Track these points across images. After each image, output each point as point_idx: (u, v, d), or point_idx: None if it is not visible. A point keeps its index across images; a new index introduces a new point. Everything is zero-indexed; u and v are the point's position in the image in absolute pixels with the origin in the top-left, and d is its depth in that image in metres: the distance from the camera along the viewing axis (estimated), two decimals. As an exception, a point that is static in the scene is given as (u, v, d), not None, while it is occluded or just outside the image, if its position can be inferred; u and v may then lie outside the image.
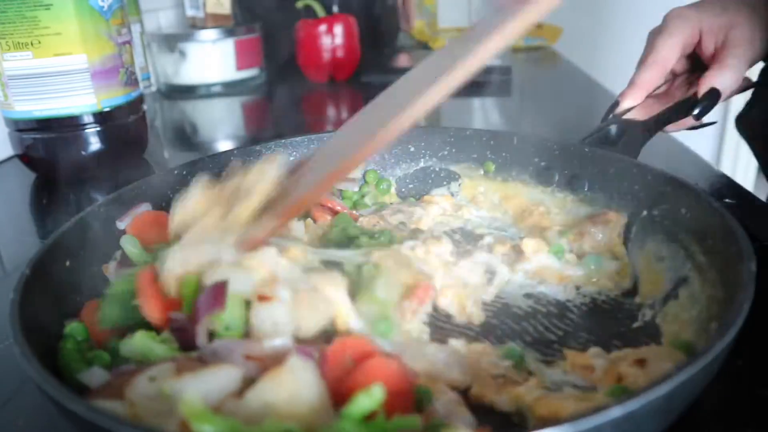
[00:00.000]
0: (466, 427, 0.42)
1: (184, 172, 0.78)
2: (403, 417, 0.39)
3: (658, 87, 0.88)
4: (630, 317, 0.60)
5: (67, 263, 0.61)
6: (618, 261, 0.67)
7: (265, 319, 0.48)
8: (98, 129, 1.06)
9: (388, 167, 0.89)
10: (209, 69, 1.66)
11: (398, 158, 0.89)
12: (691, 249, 0.60)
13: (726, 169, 2.79)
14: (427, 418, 0.43)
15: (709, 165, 1.02)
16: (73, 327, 0.54)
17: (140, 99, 1.15)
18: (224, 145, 1.36)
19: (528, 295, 0.64)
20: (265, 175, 0.60)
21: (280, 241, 0.59)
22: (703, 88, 0.82)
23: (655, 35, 0.88)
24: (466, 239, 0.74)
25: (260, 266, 0.51)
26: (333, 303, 0.51)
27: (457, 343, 0.54)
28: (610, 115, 0.85)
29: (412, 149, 0.89)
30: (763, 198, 0.87)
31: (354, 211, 0.80)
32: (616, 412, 0.35)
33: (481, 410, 0.48)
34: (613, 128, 0.81)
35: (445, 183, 0.86)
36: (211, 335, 0.48)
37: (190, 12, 1.79)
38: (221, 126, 1.54)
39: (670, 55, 0.85)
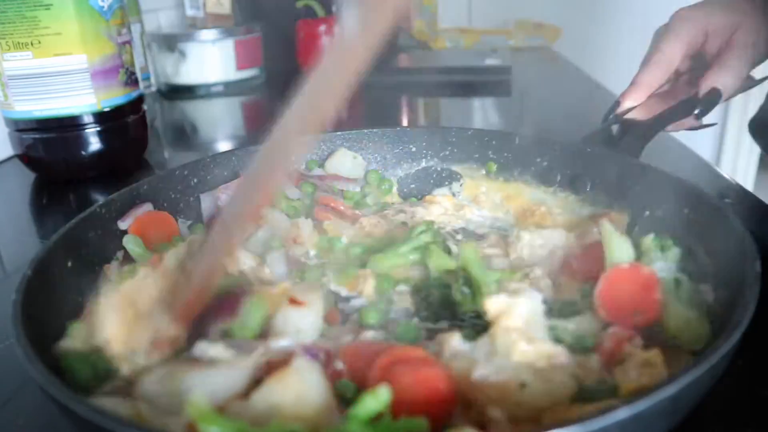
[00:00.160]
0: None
1: (185, 172, 0.78)
2: (410, 418, 0.39)
3: (661, 86, 0.88)
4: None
5: (69, 264, 0.60)
6: None
7: (290, 324, 0.48)
8: (98, 129, 1.06)
9: (390, 167, 0.88)
10: (209, 69, 1.66)
11: (400, 158, 0.89)
12: (694, 249, 0.60)
13: (726, 169, 2.79)
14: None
15: (710, 165, 1.03)
16: (74, 327, 0.54)
17: (140, 99, 1.15)
18: (224, 145, 1.36)
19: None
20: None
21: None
22: (703, 88, 0.82)
23: (660, 35, 0.88)
24: (467, 239, 0.74)
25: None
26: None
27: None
28: (612, 115, 0.85)
29: (414, 149, 0.88)
30: (763, 198, 0.87)
31: (356, 211, 0.80)
32: (623, 413, 0.35)
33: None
34: (615, 128, 0.81)
35: (446, 183, 0.86)
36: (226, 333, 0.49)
37: (190, 12, 1.79)
38: (221, 126, 1.54)
39: (674, 56, 0.85)
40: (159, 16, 1.84)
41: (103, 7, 1.02)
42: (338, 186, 0.83)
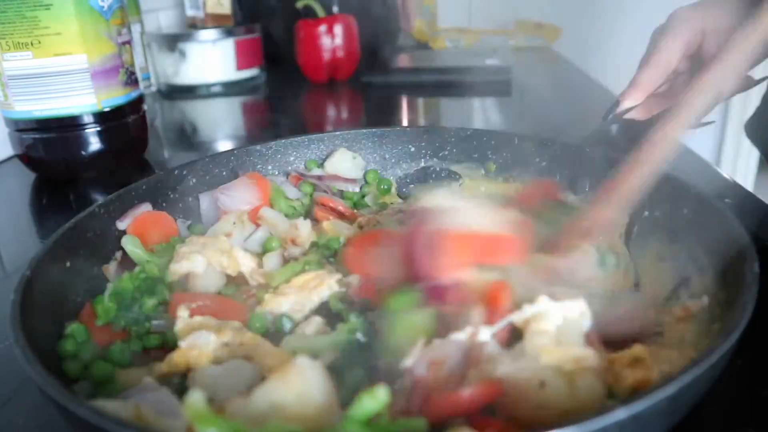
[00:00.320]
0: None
1: (184, 172, 0.78)
2: (408, 419, 0.39)
3: (660, 86, 0.88)
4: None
5: (68, 264, 0.60)
6: (623, 261, 0.67)
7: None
8: (98, 129, 1.06)
9: (389, 167, 0.88)
10: (209, 69, 1.66)
11: (399, 158, 0.89)
12: (693, 249, 0.60)
13: (726, 169, 2.79)
14: None
15: (709, 165, 1.02)
16: (73, 328, 0.54)
17: (140, 99, 1.15)
18: (224, 145, 1.36)
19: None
20: None
21: None
22: None
23: (658, 35, 0.88)
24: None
25: None
26: None
27: None
28: (611, 115, 0.85)
29: (413, 149, 0.88)
30: (763, 198, 0.87)
31: (354, 211, 0.80)
32: (621, 413, 0.35)
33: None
34: (614, 128, 0.81)
35: (446, 183, 0.85)
36: None
37: (190, 12, 1.79)
38: (221, 126, 1.54)
39: (673, 56, 0.85)
40: (159, 16, 1.84)
41: (103, 7, 1.02)
42: (337, 186, 0.83)
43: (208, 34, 1.64)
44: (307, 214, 0.76)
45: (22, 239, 0.94)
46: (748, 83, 0.91)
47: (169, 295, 0.60)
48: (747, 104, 2.57)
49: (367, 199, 0.83)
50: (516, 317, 0.49)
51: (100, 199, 0.73)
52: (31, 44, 0.97)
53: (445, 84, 1.65)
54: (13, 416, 0.53)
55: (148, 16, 1.72)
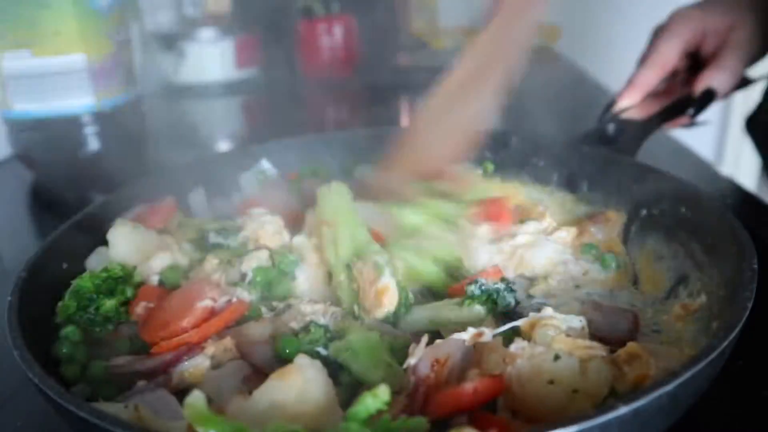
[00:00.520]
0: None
1: (183, 172, 0.78)
2: (409, 418, 0.39)
3: (658, 86, 0.88)
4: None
5: (64, 265, 0.60)
6: (621, 259, 0.67)
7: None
8: (97, 129, 1.06)
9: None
10: (208, 68, 1.66)
11: (398, 158, 0.88)
12: (691, 247, 0.60)
13: (727, 169, 2.79)
14: None
15: (711, 165, 1.03)
16: (67, 330, 0.54)
17: (139, 98, 1.15)
18: (223, 144, 1.36)
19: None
20: None
21: None
22: (698, 89, 0.82)
23: (657, 34, 0.88)
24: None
25: None
26: None
27: None
28: (608, 114, 0.85)
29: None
30: (765, 198, 0.87)
31: None
32: (622, 410, 0.35)
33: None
34: (611, 127, 0.81)
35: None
36: None
37: (189, 11, 1.79)
38: (220, 125, 1.54)
39: (671, 55, 0.85)
40: (158, 16, 1.84)
41: (102, 6, 1.02)
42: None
43: (207, 33, 1.63)
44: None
45: (22, 239, 0.94)
46: (746, 83, 0.91)
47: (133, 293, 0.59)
48: (749, 104, 2.57)
49: None
50: (521, 322, 0.49)
51: (99, 198, 0.73)
52: (30, 43, 0.97)
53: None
54: (13, 417, 0.53)
55: (147, 15, 1.71)
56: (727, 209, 0.56)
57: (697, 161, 1.03)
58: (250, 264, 0.62)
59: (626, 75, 0.89)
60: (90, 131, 1.05)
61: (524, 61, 0.63)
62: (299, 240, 0.64)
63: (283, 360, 0.47)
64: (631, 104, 0.85)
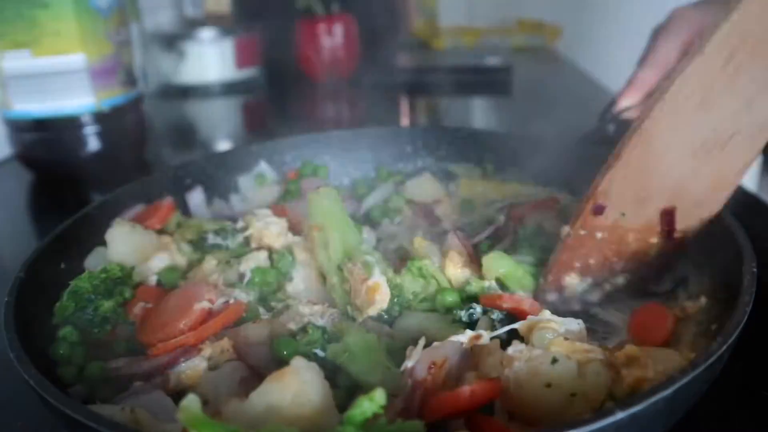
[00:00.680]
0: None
1: (182, 172, 0.78)
2: (405, 421, 0.39)
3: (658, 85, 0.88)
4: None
5: (62, 265, 0.60)
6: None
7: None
8: (97, 129, 1.06)
9: (386, 167, 0.88)
10: (208, 68, 1.66)
11: (395, 158, 0.88)
12: (690, 249, 0.60)
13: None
14: None
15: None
16: (65, 331, 0.54)
17: (139, 99, 1.15)
18: (223, 144, 1.36)
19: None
20: None
21: None
22: None
23: (657, 34, 0.88)
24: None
25: None
26: None
27: None
28: (608, 115, 0.85)
29: (409, 149, 0.88)
30: (765, 198, 0.87)
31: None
32: (619, 414, 0.35)
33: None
34: (611, 127, 0.81)
35: (443, 183, 0.85)
36: None
37: (189, 11, 1.79)
38: (220, 125, 1.54)
39: (671, 55, 0.85)
40: (158, 16, 1.84)
41: (101, 6, 1.02)
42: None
43: (207, 33, 1.63)
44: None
45: (21, 239, 0.94)
46: None
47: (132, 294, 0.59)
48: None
49: None
50: (518, 325, 0.49)
51: (98, 198, 0.73)
52: (30, 43, 0.97)
53: (444, 84, 1.65)
54: (12, 418, 0.53)
55: (147, 15, 1.71)
56: (727, 212, 0.56)
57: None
58: (249, 264, 0.62)
59: (626, 75, 0.88)
60: (90, 131, 1.05)
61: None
62: (296, 240, 0.64)
63: (280, 362, 0.47)
64: (631, 104, 0.85)
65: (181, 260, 0.65)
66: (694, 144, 0.50)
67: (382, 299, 0.53)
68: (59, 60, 0.99)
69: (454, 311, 0.54)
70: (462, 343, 0.48)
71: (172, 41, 1.64)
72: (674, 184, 0.53)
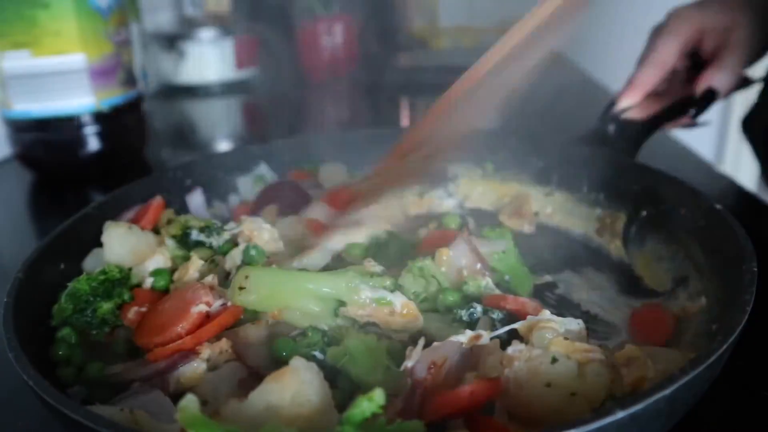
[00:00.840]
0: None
1: (181, 173, 0.78)
2: (405, 421, 0.39)
3: (657, 85, 0.88)
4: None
5: (62, 266, 0.60)
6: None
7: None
8: (97, 129, 1.06)
9: (388, 167, 0.88)
10: (208, 68, 1.66)
11: (397, 158, 0.88)
12: (691, 249, 0.60)
13: (727, 169, 2.78)
14: None
15: (711, 166, 1.02)
16: (64, 332, 0.54)
17: (139, 99, 1.15)
18: (223, 144, 1.36)
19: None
20: None
21: None
22: (699, 88, 0.82)
23: (656, 34, 0.88)
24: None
25: None
26: None
27: None
28: (608, 115, 0.85)
29: (411, 149, 0.88)
30: (765, 198, 0.87)
31: None
32: (619, 414, 0.35)
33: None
34: (611, 127, 0.81)
35: (442, 183, 0.85)
36: None
37: (189, 11, 1.79)
38: (220, 125, 1.54)
39: (670, 55, 0.85)
40: (158, 16, 1.84)
41: (101, 6, 1.02)
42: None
43: (207, 33, 1.63)
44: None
45: (21, 239, 0.94)
46: (747, 82, 0.90)
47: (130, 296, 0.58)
48: (748, 104, 2.56)
49: None
50: (518, 325, 0.49)
51: (98, 198, 0.73)
52: (30, 43, 0.97)
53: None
54: (12, 418, 0.53)
55: (147, 15, 1.71)
56: (727, 211, 0.56)
57: (697, 161, 1.03)
58: (235, 260, 0.61)
59: (626, 75, 0.88)
60: (90, 131, 1.05)
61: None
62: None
63: (279, 362, 0.47)
64: (631, 104, 0.84)
65: (167, 257, 0.63)
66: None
67: (417, 316, 0.53)
68: (59, 60, 0.99)
69: (455, 311, 0.54)
70: (462, 343, 0.47)
71: (172, 41, 1.64)
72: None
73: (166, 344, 0.50)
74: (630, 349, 0.45)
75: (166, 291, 0.59)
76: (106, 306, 0.56)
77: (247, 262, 0.60)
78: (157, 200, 0.71)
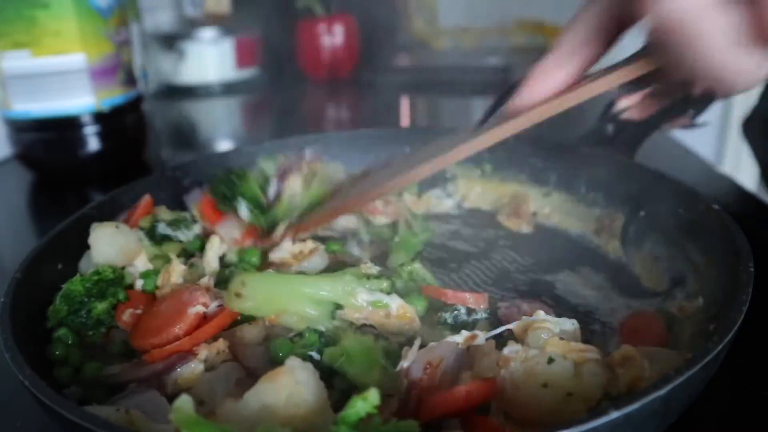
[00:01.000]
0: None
1: (180, 173, 0.78)
2: (400, 421, 0.39)
3: (657, 85, 0.88)
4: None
5: (60, 266, 0.60)
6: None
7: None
8: (97, 129, 1.06)
9: (386, 167, 0.88)
10: (208, 68, 1.66)
11: (394, 158, 0.88)
12: (688, 249, 0.60)
13: (727, 169, 2.78)
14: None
15: (711, 166, 1.02)
16: (61, 332, 0.54)
17: (139, 99, 1.15)
18: (223, 144, 1.36)
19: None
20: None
21: None
22: (698, 89, 0.81)
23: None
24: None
25: None
26: None
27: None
28: (607, 114, 0.85)
29: (408, 149, 0.88)
30: (765, 198, 0.87)
31: None
32: (614, 414, 0.35)
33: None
34: (610, 127, 0.81)
35: (441, 183, 0.85)
36: None
37: (189, 11, 1.79)
38: (220, 126, 1.54)
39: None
40: (158, 16, 1.84)
41: (101, 6, 1.02)
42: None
43: (207, 33, 1.63)
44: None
45: (21, 239, 0.94)
46: None
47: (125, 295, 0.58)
48: (748, 104, 2.56)
49: None
50: (513, 325, 0.49)
51: (97, 198, 0.73)
52: (30, 43, 0.97)
53: (445, 84, 1.65)
54: (11, 418, 0.53)
55: (147, 15, 1.71)
56: (725, 212, 0.56)
57: (697, 161, 1.03)
58: (210, 256, 0.61)
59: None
60: (90, 131, 1.05)
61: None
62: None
63: (276, 363, 0.47)
64: (630, 104, 0.84)
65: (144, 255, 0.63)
66: None
67: (415, 318, 0.53)
68: (59, 60, 0.99)
69: (440, 314, 0.54)
70: (458, 344, 0.48)
71: (172, 41, 1.64)
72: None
73: (163, 346, 0.50)
74: (626, 349, 0.45)
75: (147, 292, 0.59)
76: (101, 306, 0.56)
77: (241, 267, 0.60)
78: (146, 199, 0.71)
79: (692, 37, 0.45)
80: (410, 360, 0.45)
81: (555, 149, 0.78)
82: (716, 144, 2.82)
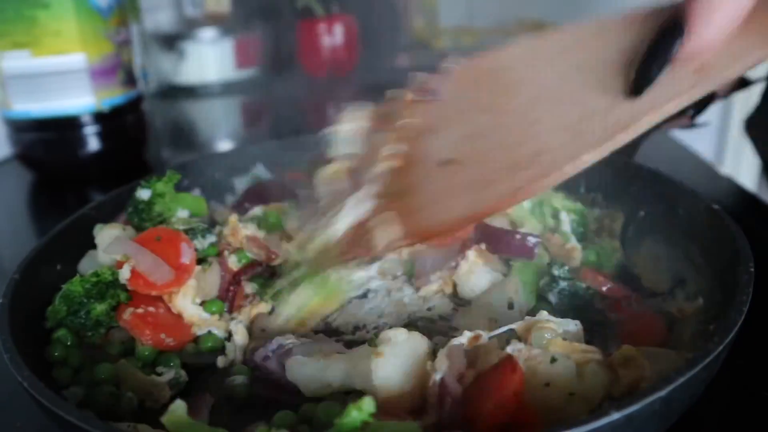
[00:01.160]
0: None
1: (180, 173, 0.78)
2: (400, 422, 0.39)
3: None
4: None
5: (58, 267, 0.60)
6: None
7: None
8: (97, 129, 1.06)
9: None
10: (208, 68, 1.66)
11: (396, 158, 0.88)
12: (688, 250, 0.60)
13: (728, 169, 2.77)
14: None
15: (711, 166, 1.02)
16: (60, 333, 0.54)
17: (139, 99, 1.15)
18: (223, 144, 1.36)
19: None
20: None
21: None
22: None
23: None
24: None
25: None
26: None
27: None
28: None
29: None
30: (765, 198, 0.87)
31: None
32: (615, 415, 0.35)
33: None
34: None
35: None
36: None
37: (189, 11, 1.79)
38: (220, 125, 1.54)
39: None
40: (158, 16, 1.84)
41: (101, 6, 1.02)
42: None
43: (207, 33, 1.63)
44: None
45: (21, 239, 0.94)
46: (745, 83, 0.90)
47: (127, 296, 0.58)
48: (748, 104, 2.56)
49: None
50: (516, 325, 0.49)
51: (97, 199, 0.73)
52: (30, 43, 0.97)
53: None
54: (11, 418, 0.53)
55: (147, 15, 1.71)
56: (724, 211, 0.56)
57: (697, 161, 1.03)
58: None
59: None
60: (90, 131, 1.05)
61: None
62: None
63: None
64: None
65: None
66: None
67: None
68: (59, 60, 0.99)
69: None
70: (463, 344, 0.47)
71: (172, 41, 1.64)
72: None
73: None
74: (627, 349, 0.45)
75: None
76: (100, 307, 0.55)
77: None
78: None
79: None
80: (443, 372, 0.44)
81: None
82: (716, 144, 2.81)
